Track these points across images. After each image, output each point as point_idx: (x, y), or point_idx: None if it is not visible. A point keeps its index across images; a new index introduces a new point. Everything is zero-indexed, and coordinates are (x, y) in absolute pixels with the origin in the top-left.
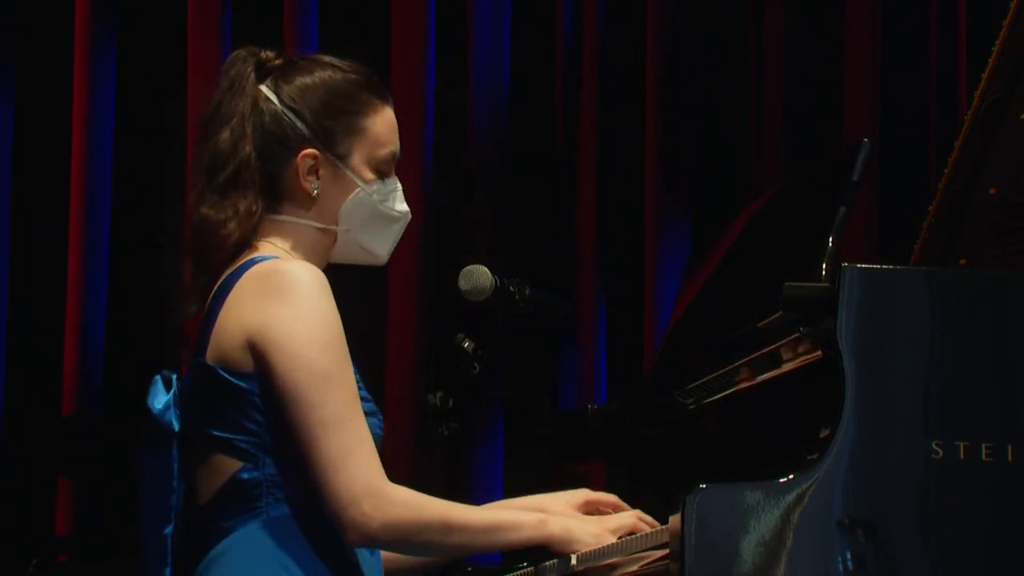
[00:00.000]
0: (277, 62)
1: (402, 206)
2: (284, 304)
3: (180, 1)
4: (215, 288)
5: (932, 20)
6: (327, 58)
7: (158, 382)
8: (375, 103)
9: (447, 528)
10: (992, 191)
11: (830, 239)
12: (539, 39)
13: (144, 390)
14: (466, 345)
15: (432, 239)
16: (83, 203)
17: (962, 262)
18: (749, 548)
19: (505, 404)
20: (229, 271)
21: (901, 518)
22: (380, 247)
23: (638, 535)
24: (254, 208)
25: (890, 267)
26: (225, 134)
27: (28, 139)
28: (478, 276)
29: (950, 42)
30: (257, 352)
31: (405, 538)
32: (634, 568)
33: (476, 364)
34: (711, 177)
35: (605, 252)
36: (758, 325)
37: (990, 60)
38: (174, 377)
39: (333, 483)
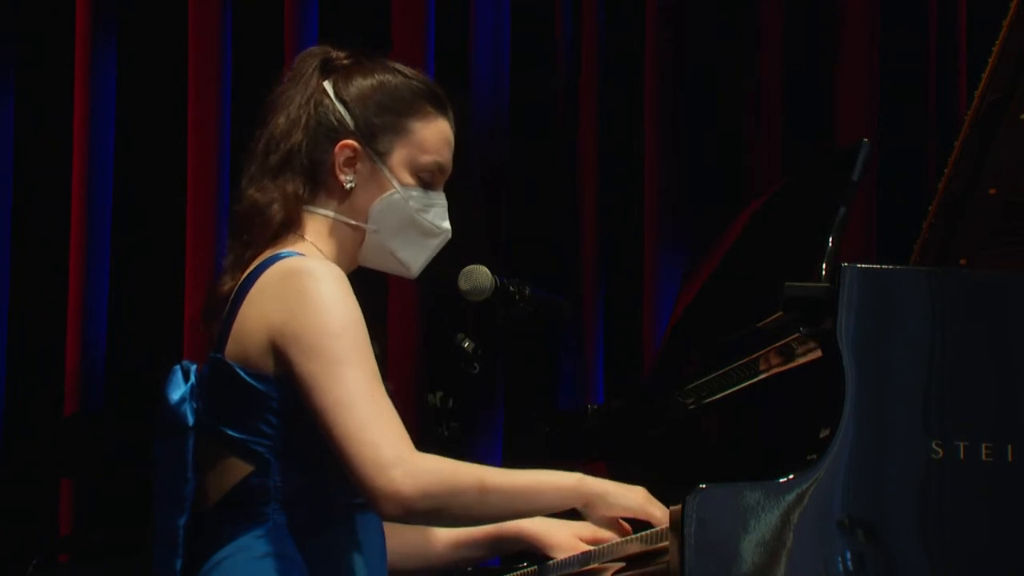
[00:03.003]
0: (344, 61)
1: (443, 223)
2: (302, 302)
3: (180, 1)
4: (239, 281)
5: (932, 20)
6: (395, 64)
7: (177, 372)
8: (428, 110)
9: (483, 490)
10: (992, 191)
11: (830, 239)
12: (539, 39)
13: (149, 385)
14: (466, 345)
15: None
16: (84, 203)
17: (962, 262)
18: (749, 548)
19: (505, 404)
20: (253, 265)
21: (901, 518)
22: (412, 258)
23: (638, 535)
24: (300, 192)
25: (890, 267)
26: (281, 119)
27: (29, 139)
28: (478, 276)
29: (950, 42)
30: (277, 352)
31: (442, 504)
32: (640, 567)
33: (476, 364)
34: (711, 177)
35: (605, 252)
36: (758, 325)
37: (990, 60)
38: (193, 369)
39: (359, 455)
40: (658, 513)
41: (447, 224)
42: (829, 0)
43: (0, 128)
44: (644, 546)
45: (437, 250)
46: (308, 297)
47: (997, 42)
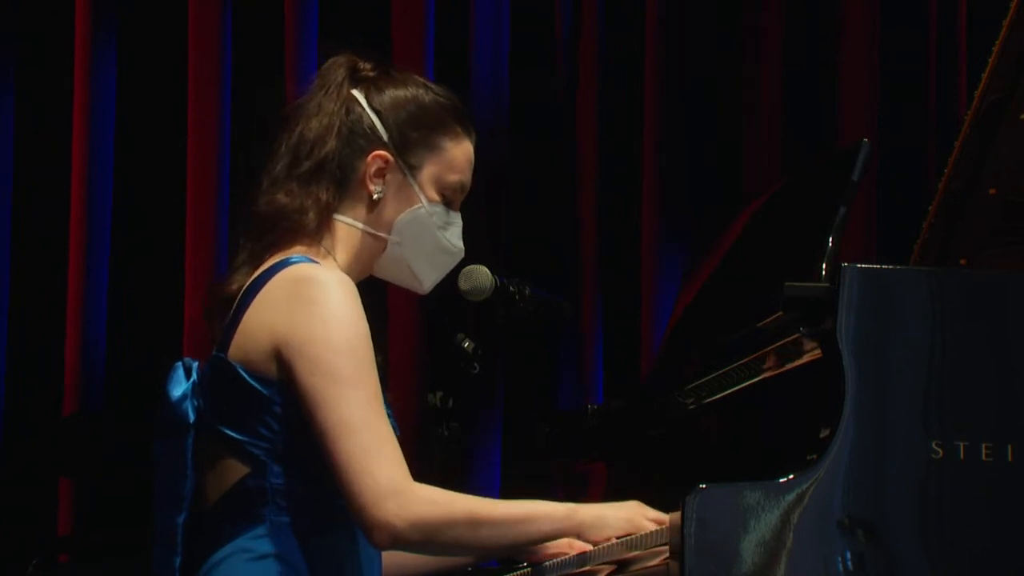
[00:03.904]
0: (371, 73)
1: (459, 242)
2: (309, 311)
3: (180, 1)
4: (248, 282)
5: (932, 20)
6: (421, 78)
7: (178, 369)
8: (457, 130)
9: (474, 523)
10: (992, 191)
11: (830, 239)
12: (539, 39)
13: (148, 385)
14: (466, 345)
15: None
16: (84, 202)
17: (962, 262)
18: (749, 548)
19: (505, 404)
20: (263, 268)
21: (901, 518)
22: (426, 274)
23: (638, 535)
24: (332, 202)
25: (890, 267)
26: (313, 124)
27: (29, 139)
28: (478, 276)
29: (950, 42)
30: (281, 359)
31: (433, 536)
32: (639, 567)
33: (476, 364)
34: (711, 177)
35: (605, 252)
36: (758, 325)
37: (990, 60)
38: (195, 366)
39: (356, 483)
40: (652, 527)
41: (462, 244)
42: (829, 0)
43: (0, 128)
44: (638, 550)
45: (449, 269)
46: (316, 307)
47: (997, 42)
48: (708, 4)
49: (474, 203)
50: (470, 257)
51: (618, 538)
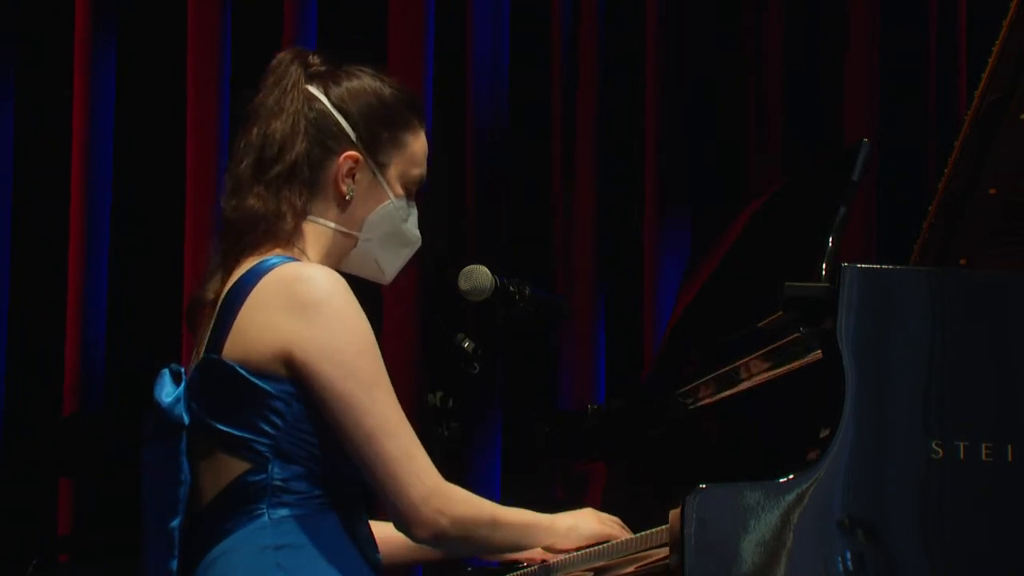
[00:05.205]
0: (322, 68)
1: (417, 232)
2: (320, 315)
3: (180, 1)
4: (227, 287)
5: (932, 20)
6: (370, 69)
7: (166, 375)
8: (415, 124)
9: (496, 524)
10: (992, 191)
11: (830, 239)
12: (538, 39)
13: (148, 385)
14: (466, 345)
15: (431, 239)
16: (83, 202)
17: (962, 262)
18: (749, 548)
19: (505, 404)
20: (242, 271)
21: (901, 518)
22: (390, 266)
23: (637, 536)
24: (307, 206)
25: (890, 267)
26: (276, 124)
27: (29, 139)
28: (478, 276)
29: (950, 42)
30: (295, 364)
31: (467, 533)
32: (633, 568)
33: (476, 364)
34: (711, 177)
35: (604, 252)
36: (758, 325)
37: (990, 60)
38: (183, 371)
39: (403, 484)
40: (625, 535)
41: (419, 234)
42: (829, 0)
43: (0, 128)
44: (642, 546)
45: (408, 259)
46: (326, 311)
47: (997, 42)
48: (708, 4)
49: (474, 203)
50: (472, 258)
51: (589, 547)
